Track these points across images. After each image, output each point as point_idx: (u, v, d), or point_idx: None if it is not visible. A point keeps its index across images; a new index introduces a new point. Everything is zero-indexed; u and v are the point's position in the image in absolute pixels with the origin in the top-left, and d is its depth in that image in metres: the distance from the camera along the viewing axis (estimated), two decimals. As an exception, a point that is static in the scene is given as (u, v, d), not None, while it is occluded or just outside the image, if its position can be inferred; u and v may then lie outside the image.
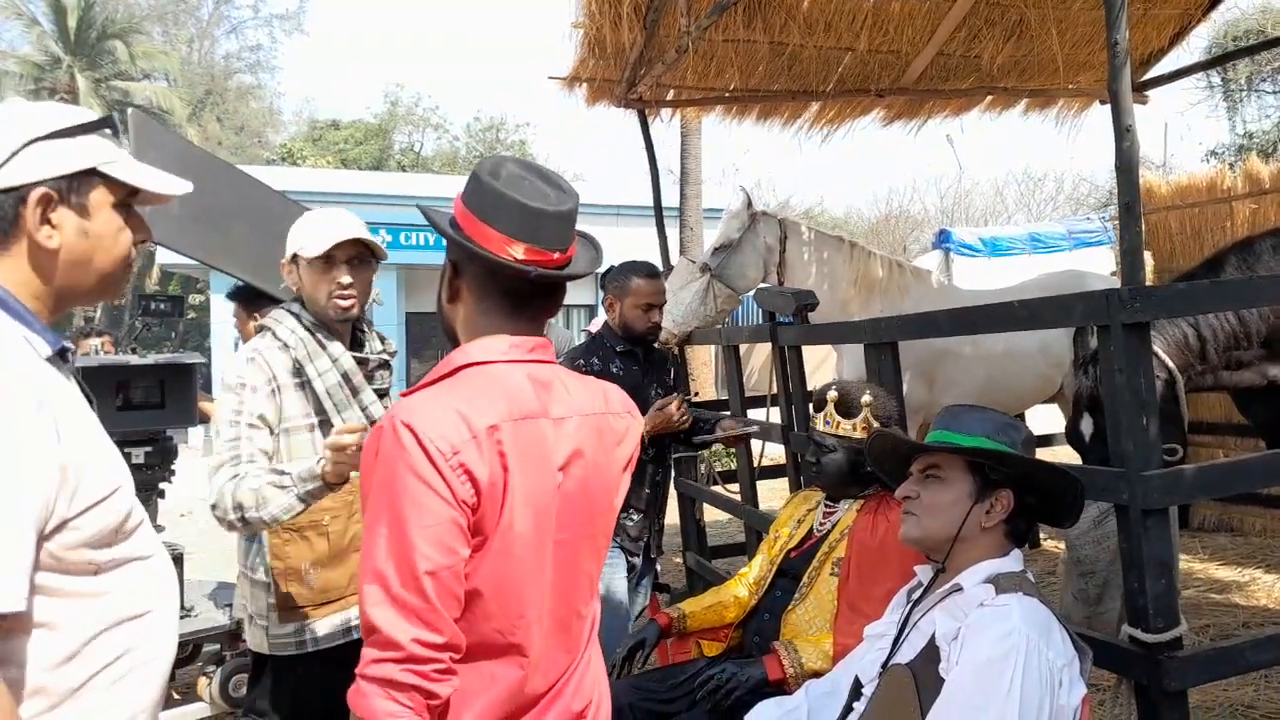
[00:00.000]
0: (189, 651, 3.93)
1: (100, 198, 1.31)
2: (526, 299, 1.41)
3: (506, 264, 1.35)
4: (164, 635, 1.38)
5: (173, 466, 3.77)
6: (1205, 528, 5.76)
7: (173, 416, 3.63)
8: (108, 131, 1.35)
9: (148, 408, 3.65)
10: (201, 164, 3.88)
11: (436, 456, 1.21)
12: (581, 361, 3.25)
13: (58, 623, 1.20)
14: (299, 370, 2.25)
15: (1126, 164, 2.27)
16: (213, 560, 5.43)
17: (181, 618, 3.86)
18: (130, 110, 5.33)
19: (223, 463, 2.13)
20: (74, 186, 1.28)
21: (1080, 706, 1.64)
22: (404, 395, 1.34)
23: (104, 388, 3.51)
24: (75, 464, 1.19)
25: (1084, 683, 1.65)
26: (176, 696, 3.84)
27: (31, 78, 23.88)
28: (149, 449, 3.63)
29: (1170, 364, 2.84)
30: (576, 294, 15.60)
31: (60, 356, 1.30)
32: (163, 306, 4.00)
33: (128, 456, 3.60)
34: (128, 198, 1.35)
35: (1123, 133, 2.27)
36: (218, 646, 3.80)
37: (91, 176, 1.30)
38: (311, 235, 2.25)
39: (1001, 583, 1.70)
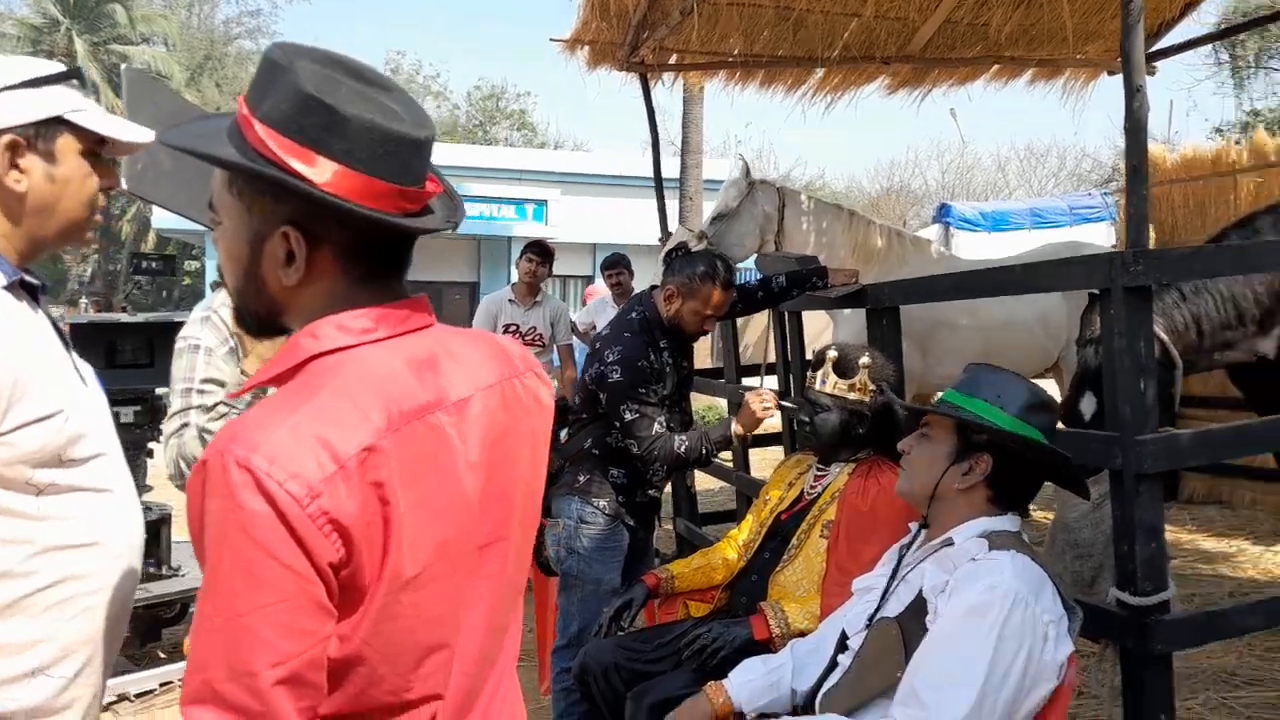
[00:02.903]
0: (176, 610, 3.93)
1: (67, 144, 1.39)
2: (399, 257, 1.06)
3: (394, 222, 0.99)
4: (115, 570, 1.39)
5: (162, 426, 3.75)
6: (1195, 500, 5.77)
7: (162, 375, 3.59)
8: (75, 82, 1.42)
9: (137, 366, 3.63)
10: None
11: (286, 508, 0.86)
12: (644, 362, 2.84)
13: None
14: None
15: (1136, 124, 2.23)
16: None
17: (169, 576, 3.89)
18: (124, 67, 5.26)
19: (170, 435, 2.09)
20: (41, 133, 1.36)
21: (1066, 665, 1.63)
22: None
23: (93, 346, 3.48)
24: (9, 380, 1.24)
25: (1072, 642, 1.64)
26: (162, 655, 3.84)
27: (29, 40, 23.69)
28: (138, 408, 3.62)
29: (1174, 352, 2.82)
30: (573, 264, 15.59)
31: (25, 289, 1.35)
32: (155, 265, 3.97)
33: (117, 416, 3.59)
34: (96, 146, 1.42)
35: (1133, 92, 2.23)
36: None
37: (58, 124, 1.38)
38: None
39: (995, 540, 1.70)
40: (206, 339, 2.10)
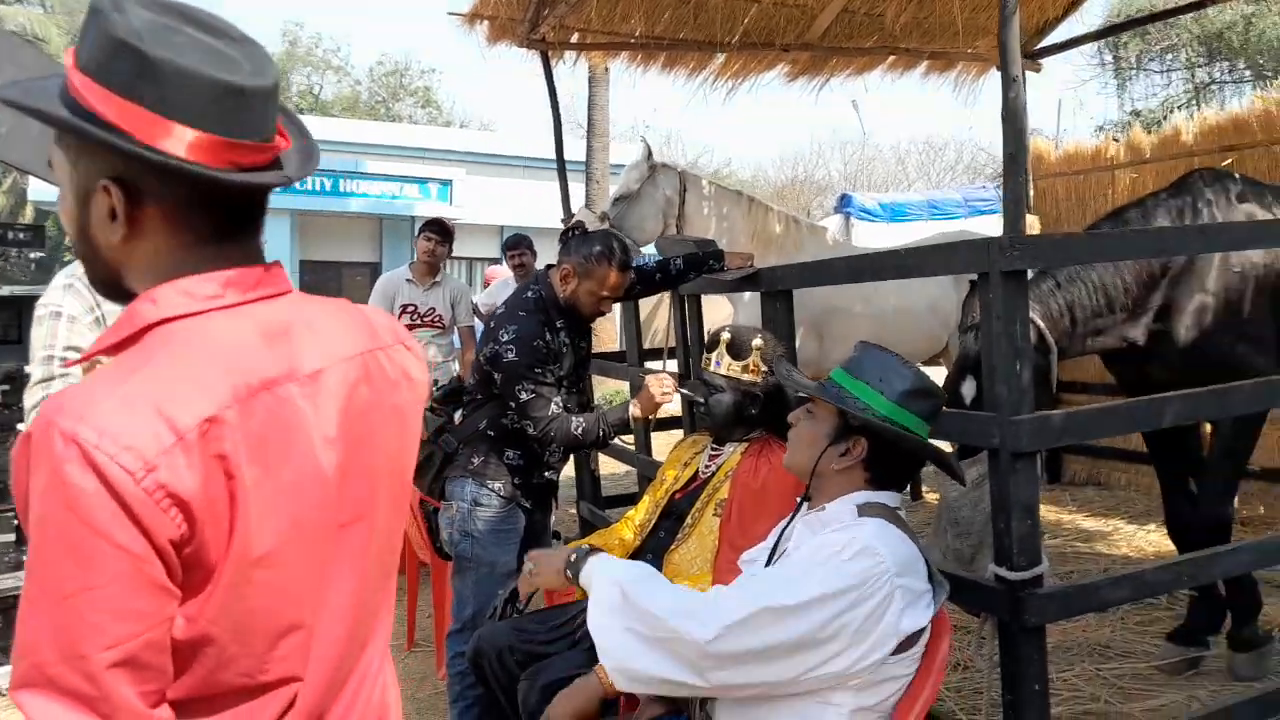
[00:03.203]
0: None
1: None
2: (243, 216, 1.00)
3: (227, 179, 0.94)
4: None
5: (24, 399, 3.57)
6: (1075, 482, 6.06)
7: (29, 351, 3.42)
8: None
9: (5, 343, 3.43)
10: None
11: (119, 483, 0.81)
12: (540, 341, 2.80)
13: None
14: None
15: (1012, 113, 2.31)
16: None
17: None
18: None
19: (33, 408, 1.99)
20: None
21: (919, 642, 1.66)
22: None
23: (-47, 320, 3.28)
24: None
25: (927, 617, 1.66)
26: None
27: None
28: (6, 387, 3.42)
29: (1049, 337, 2.94)
30: (478, 246, 15.40)
31: None
32: (21, 236, 3.74)
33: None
34: None
35: (1009, 82, 2.31)
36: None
37: None
38: None
39: (866, 510, 1.75)
40: (69, 306, 2.00)
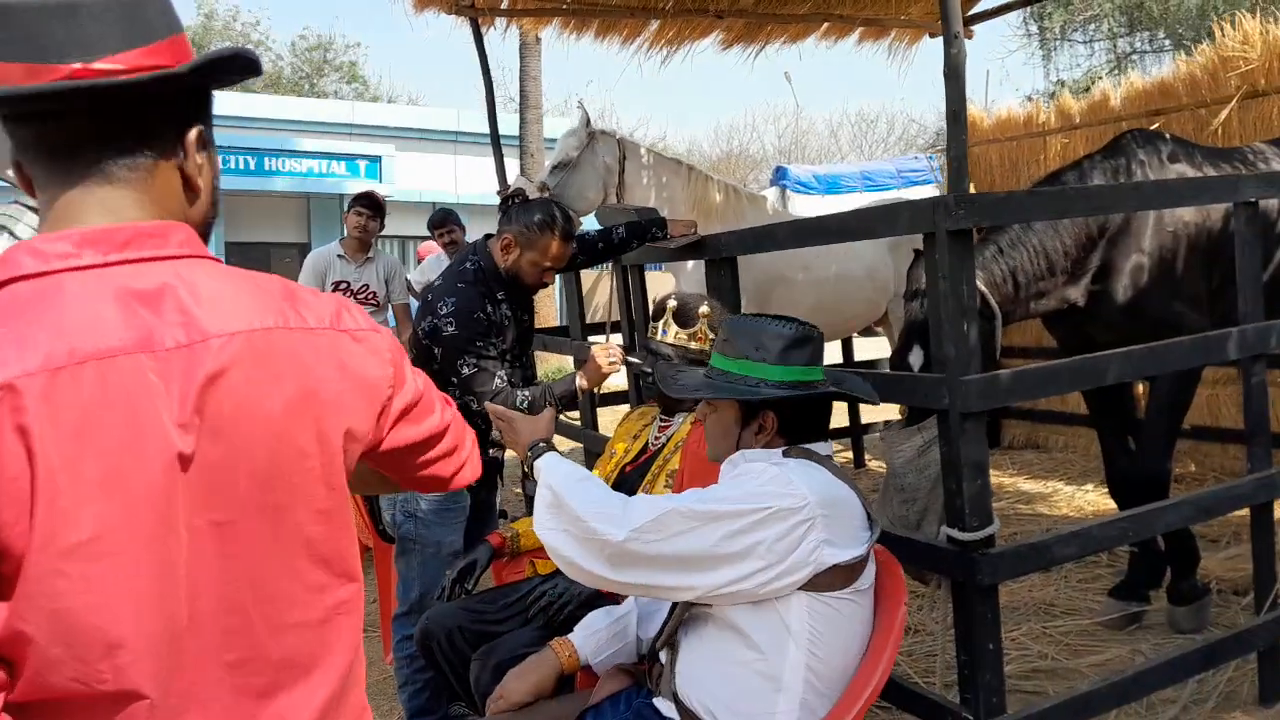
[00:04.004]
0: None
1: None
2: (52, 139, 0.91)
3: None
4: None
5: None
6: (1014, 446, 6.17)
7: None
8: None
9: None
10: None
11: None
12: (480, 313, 2.72)
13: None
14: None
15: (954, 70, 2.29)
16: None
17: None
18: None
19: None
20: None
21: (856, 584, 1.66)
22: None
23: None
24: None
25: (852, 554, 1.64)
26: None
27: None
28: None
29: (993, 302, 2.95)
30: (410, 224, 15.13)
31: None
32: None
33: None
34: None
35: (950, 39, 2.28)
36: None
37: None
38: None
39: (791, 453, 1.76)
40: None
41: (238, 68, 0.96)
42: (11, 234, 1.90)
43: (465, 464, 1.26)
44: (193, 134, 0.96)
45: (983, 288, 2.93)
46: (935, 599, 3.11)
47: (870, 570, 1.71)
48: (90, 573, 0.82)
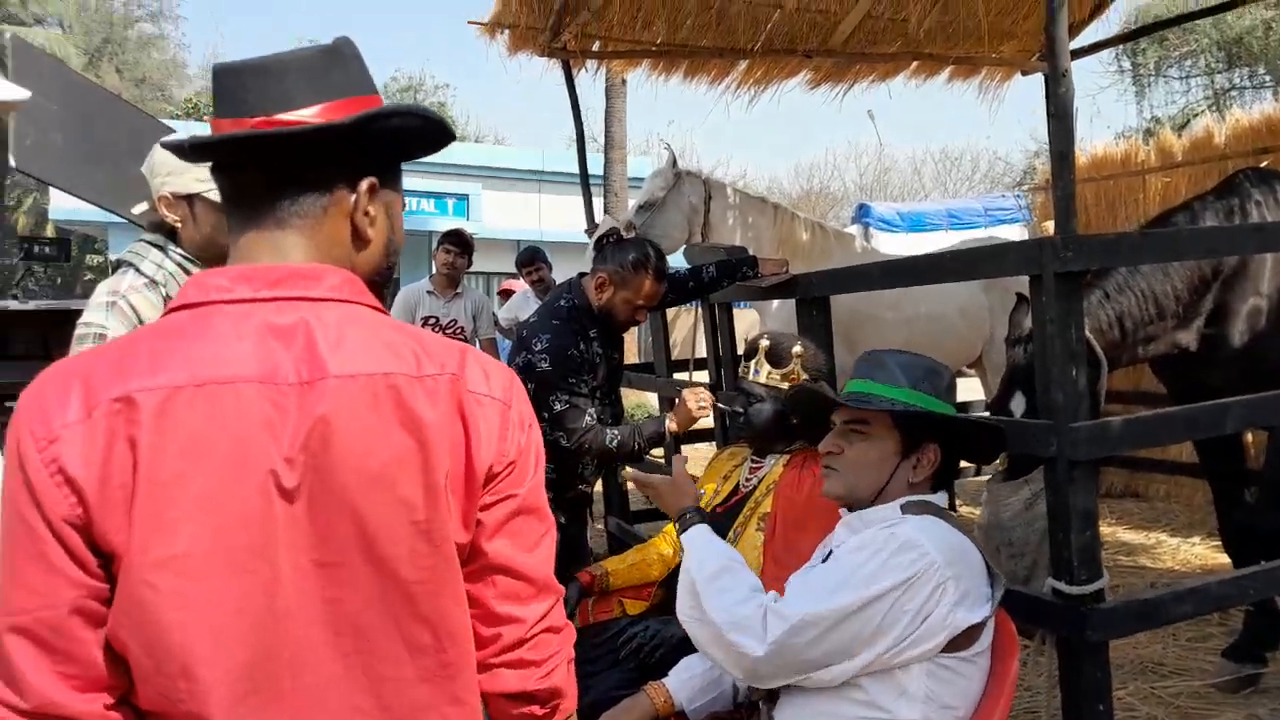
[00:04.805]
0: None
1: None
2: (250, 200, 0.97)
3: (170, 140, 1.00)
4: None
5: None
6: (1112, 494, 5.92)
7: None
8: None
9: (31, 358, 3.39)
10: (90, 98, 3.59)
11: (25, 453, 0.83)
12: (574, 351, 2.74)
13: None
14: None
15: (1062, 110, 2.23)
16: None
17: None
18: (9, 34, 4.94)
19: None
20: None
21: (978, 642, 1.59)
22: None
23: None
24: None
25: (982, 614, 1.58)
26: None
27: (-90, 19, 22.34)
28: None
29: (1099, 350, 2.86)
30: (496, 260, 15.42)
31: None
32: (47, 250, 3.71)
33: (8, 412, 3.35)
34: None
35: (1059, 77, 2.23)
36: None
37: None
38: None
39: (910, 508, 1.68)
40: (113, 327, 1.86)
41: (415, 128, 1.01)
42: (137, 270, 1.97)
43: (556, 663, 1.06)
44: (364, 185, 1.00)
45: (1088, 335, 2.84)
46: (1040, 650, 2.98)
47: (991, 628, 1.64)
48: (177, 588, 0.84)
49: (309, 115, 0.95)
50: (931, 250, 5.78)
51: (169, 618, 0.84)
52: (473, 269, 5.96)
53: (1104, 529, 5.12)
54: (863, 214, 14.19)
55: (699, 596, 1.63)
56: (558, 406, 2.69)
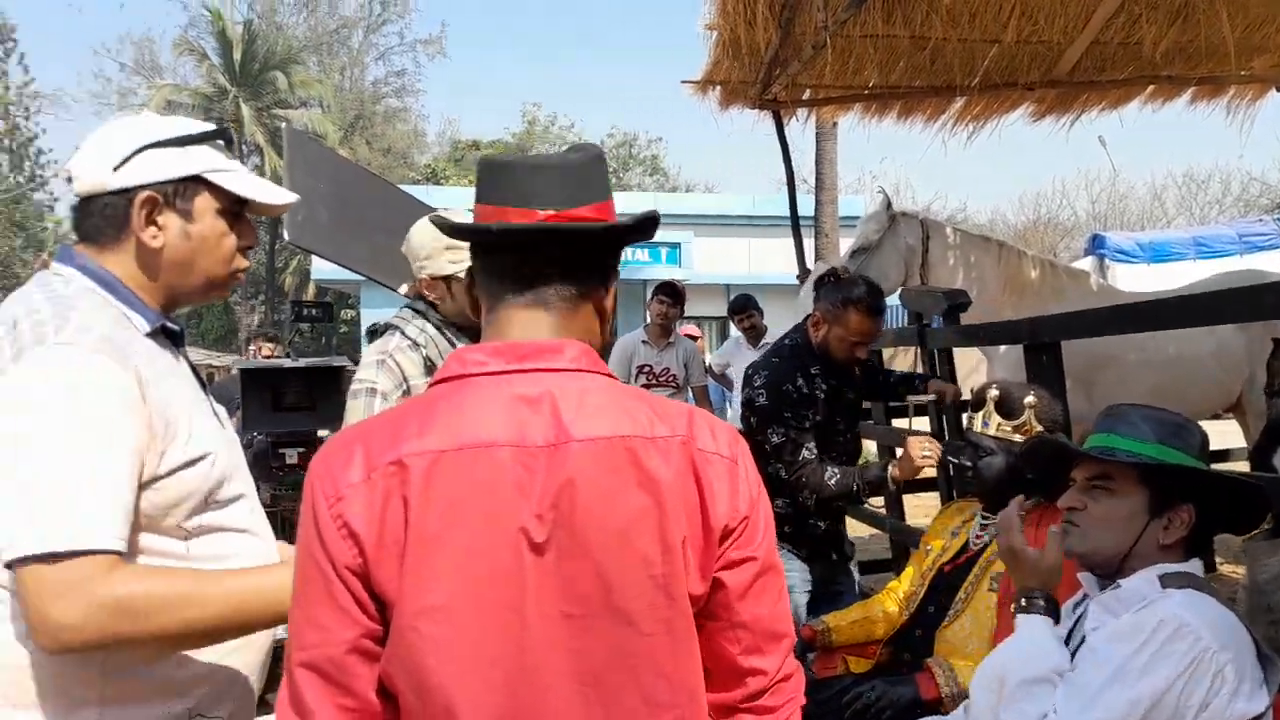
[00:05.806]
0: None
1: (205, 204, 1.38)
2: (511, 266, 1.07)
3: (462, 224, 1.10)
4: None
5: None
6: None
7: (322, 418, 3.76)
8: (220, 143, 1.42)
9: (299, 409, 3.80)
10: (351, 177, 4.03)
11: (317, 507, 0.96)
12: (790, 386, 2.82)
13: None
14: (432, 369, 2.18)
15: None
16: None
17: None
18: (286, 125, 5.61)
19: None
20: (179, 191, 1.36)
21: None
22: None
23: (259, 390, 3.67)
24: (162, 424, 1.26)
25: (1264, 701, 1.44)
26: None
27: (201, 108, 25.72)
28: (301, 449, 3.78)
29: None
30: (707, 304, 15.69)
31: (165, 335, 1.38)
32: (314, 312, 4.17)
33: (282, 457, 3.77)
34: (235, 206, 1.42)
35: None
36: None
37: (197, 183, 1.37)
38: None
39: (1170, 581, 1.54)
40: (383, 383, 2.13)
41: (652, 227, 1.13)
42: (403, 333, 2.24)
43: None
44: (613, 279, 1.14)
45: None
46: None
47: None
48: (438, 636, 0.94)
49: (580, 215, 1.06)
50: (1178, 284, 5.34)
51: (431, 662, 0.93)
52: (684, 314, 6.12)
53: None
54: (1097, 245, 13.28)
55: (1004, 689, 1.54)
56: (775, 439, 2.78)
